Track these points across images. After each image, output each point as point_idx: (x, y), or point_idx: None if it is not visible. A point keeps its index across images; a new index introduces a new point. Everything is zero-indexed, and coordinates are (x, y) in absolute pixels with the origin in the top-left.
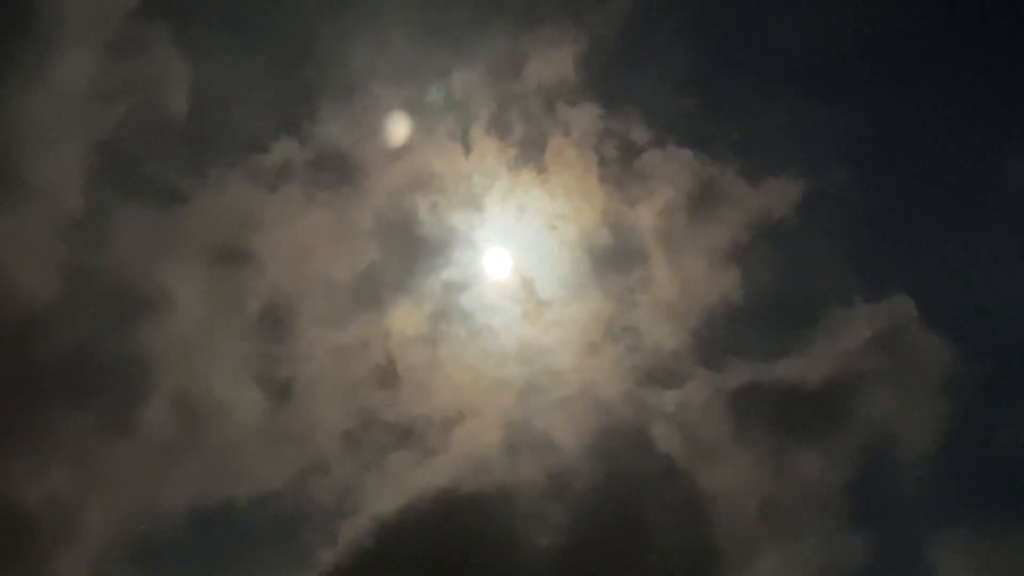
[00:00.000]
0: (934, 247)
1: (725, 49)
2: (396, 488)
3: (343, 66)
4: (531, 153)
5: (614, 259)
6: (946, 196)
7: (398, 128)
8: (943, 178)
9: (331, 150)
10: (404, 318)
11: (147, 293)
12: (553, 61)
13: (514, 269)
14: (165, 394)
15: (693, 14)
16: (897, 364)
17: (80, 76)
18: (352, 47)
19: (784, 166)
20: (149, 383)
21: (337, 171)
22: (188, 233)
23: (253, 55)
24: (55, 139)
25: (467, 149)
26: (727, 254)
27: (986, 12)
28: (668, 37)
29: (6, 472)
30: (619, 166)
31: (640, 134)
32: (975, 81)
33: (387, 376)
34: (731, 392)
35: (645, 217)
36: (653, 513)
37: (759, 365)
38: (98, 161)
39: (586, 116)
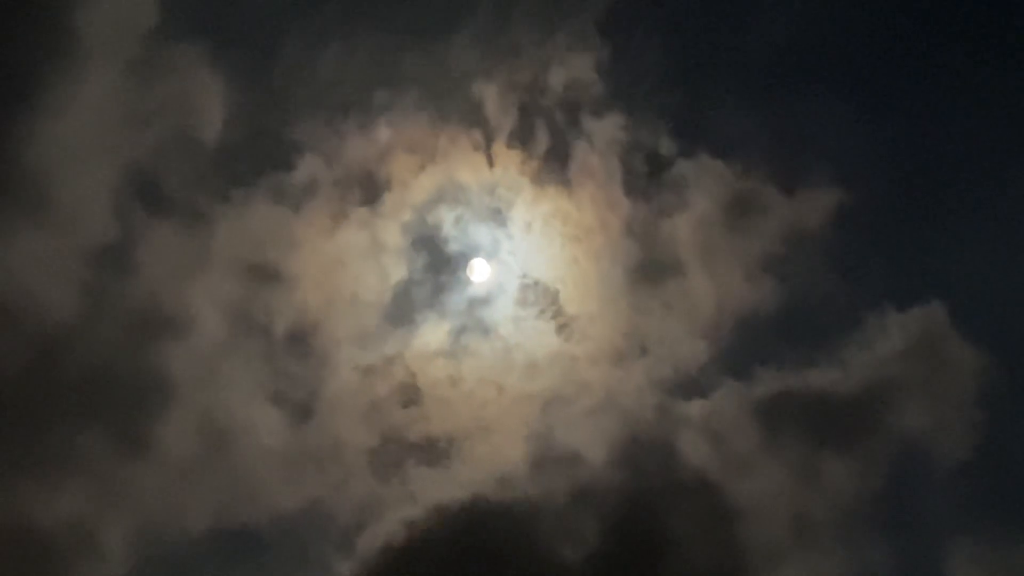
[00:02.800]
0: (967, 254)
1: (757, 58)
2: (420, 504)
3: (365, 81)
4: (555, 164)
5: (640, 271)
6: (979, 203)
7: (421, 141)
8: (976, 185)
9: (356, 166)
10: (429, 334)
11: (171, 313)
12: (577, 71)
13: (539, 281)
14: (187, 415)
15: (722, 22)
16: (929, 373)
17: (106, 97)
18: (374, 61)
19: (817, 176)
20: (171, 403)
21: (362, 187)
22: (212, 253)
23: (273, 72)
24: (80, 160)
25: (491, 161)
26: (757, 264)
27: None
28: (697, 45)
29: (26, 491)
30: (645, 177)
31: (668, 145)
32: (1010, 87)
33: (411, 393)
34: (760, 402)
35: (672, 228)
36: (680, 525)
37: (789, 375)
38: (124, 181)
39: (611, 127)
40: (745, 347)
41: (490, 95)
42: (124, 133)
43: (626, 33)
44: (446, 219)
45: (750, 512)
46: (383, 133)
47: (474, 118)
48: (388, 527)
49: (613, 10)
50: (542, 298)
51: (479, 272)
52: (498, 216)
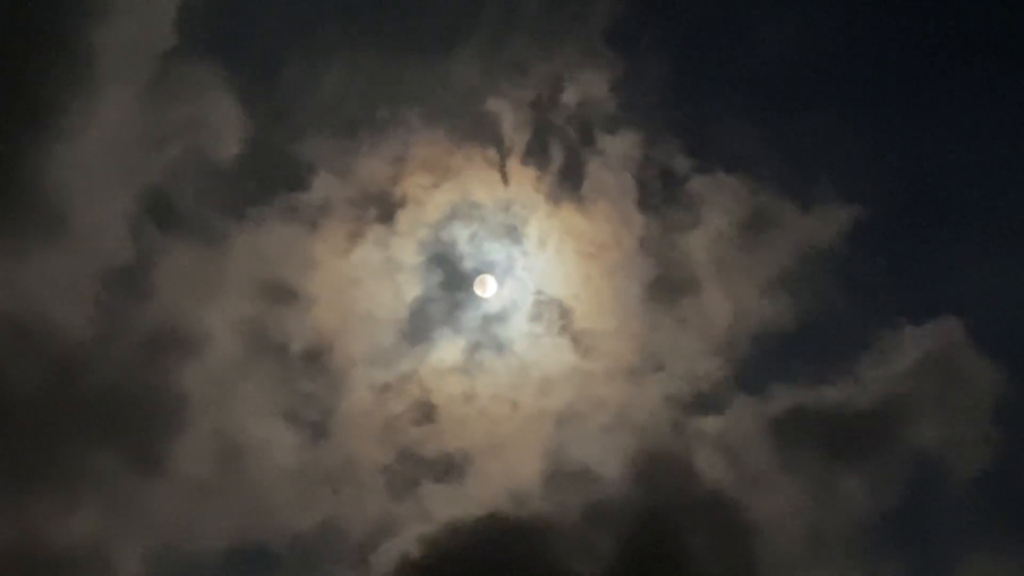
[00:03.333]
0: (982, 269)
1: (771, 74)
2: (434, 521)
3: (378, 98)
4: (569, 180)
5: (654, 287)
6: (994, 217)
7: (436, 159)
8: (991, 199)
9: (371, 184)
10: (444, 351)
11: (186, 333)
12: (591, 87)
13: (553, 298)
14: (202, 434)
15: (735, 39)
16: (944, 388)
17: (121, 118)
18: (387, 78)
19: (832, 192)
20: (186, 422)
21: (377, 205)
22: (228, 272)
23: (286, 92)
24: (96, 181)
25: (505, 178)
26: (772, 280)
27: None
28: (710, 62)
29: (41, 511)
30: (660, 193)
31: (682, 161)
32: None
33: (426, 410)
34: (775, 418)
35: (686, 244)
36: (695, 541)
37: (803, 390)
38: (139, 202)
39: (625, 143)
40: (760, 363)
41: (504, 112)
42: (139, 154)
43: (634, 48)
44: (461, 236)
45: (765, 528)
46: (397, 151)
47: (488, 136)
48: (403, 544)
49: (620, 24)
50: (556, 315)
51: (487, 288)
52: (513, 233)
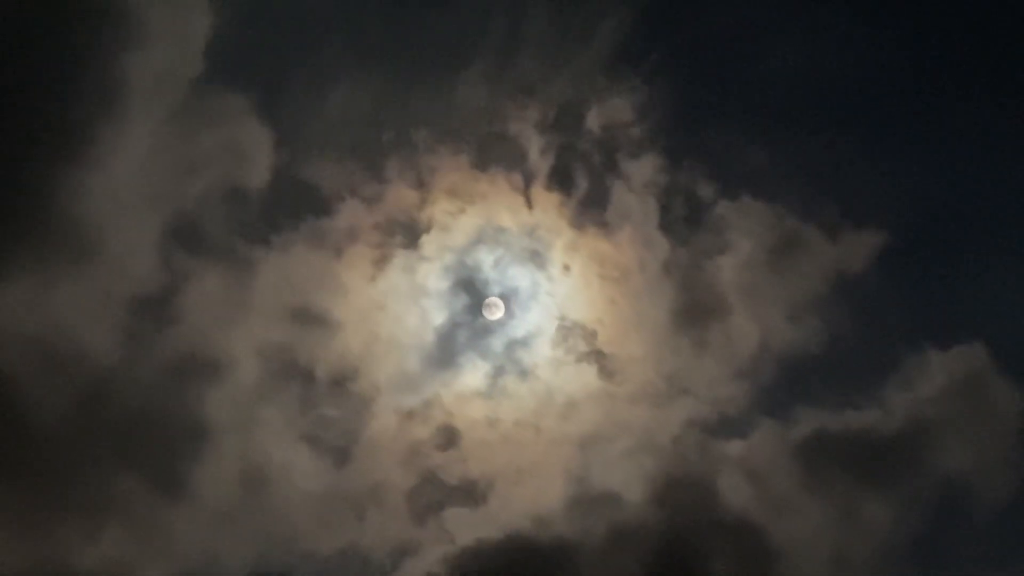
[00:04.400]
0: (1008, 294)
1: (800, 100)
2: (457, 546)
3: (404, 124)
4: (593, 205)
5: (679, 312)
6: (1020, 243)
7: (461, 184)
8: (1017, 224)
9: (396, 210)
10: (468, 376)
11: (212, 358)
12: (616, 111)
13: (577, 322)
14: (227, 459)
15: (761, 64)
16: (970, 413)
17: (151, 146)
18: (413, 105)
19: (859, 217)
20: (211, 448)
21: (402, 231)
22: (254, 298)
23: (312, 118)
24: (125, 208)
25: (529, 203)
26: (797, 305)
27: None
28: (736, 85)
29: (66, 535)
30: (684, 218)
31: (707, 186)
32: None
33: (450, 435)
34: (800, 442)
35: (711, 269)
36: (718, 565)
37: (829, 415)
38: (167, 228)
39: (649, 167)
40: (785, 387)
41: (528, 137)
42: (168, 181)
43: (654, 71)
44: (485, 261)
45: (789, 552)
46: (423, 177)
47: (512, 161)
48: (425, 568)
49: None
50: (580, 339)
51: (495, 310)
52: (537, 258)
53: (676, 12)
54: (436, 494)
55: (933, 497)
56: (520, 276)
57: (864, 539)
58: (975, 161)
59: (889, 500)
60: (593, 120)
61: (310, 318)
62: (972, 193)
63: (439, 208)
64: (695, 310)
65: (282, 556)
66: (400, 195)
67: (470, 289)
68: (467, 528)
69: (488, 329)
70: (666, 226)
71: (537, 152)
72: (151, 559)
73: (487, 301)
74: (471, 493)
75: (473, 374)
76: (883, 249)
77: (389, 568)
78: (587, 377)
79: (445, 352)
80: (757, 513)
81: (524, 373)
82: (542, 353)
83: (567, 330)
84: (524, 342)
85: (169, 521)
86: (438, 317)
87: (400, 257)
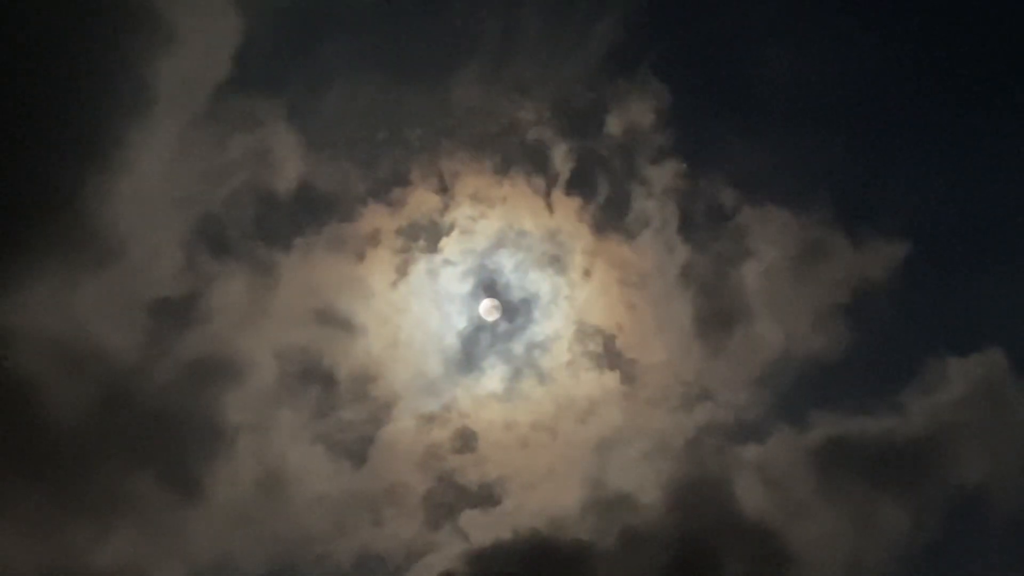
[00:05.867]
0: None
1: (826, 109)
2: (474, 546)
3: (428, 128)
4: (613, 210)
5: (697, 317)
6: None
7: (483, 189)
8: None
9: (417, 213)
10: (487, 380)
11: (232, 360)
12: (636, 115)
13: (596, 327)
14: (245, 460)
15: (785, 72)
16: (988, 419)
17: (177, 150)
18: (436, 110)
19: (881, 225)
20: (229, 449)
21: (426, 233)
22: (277, 301)
23: (335, 121)
24: (150, 209)
25: (550, 208)
26: (815, 311)
27: None
28: (760, 93)
29: (81, 534)
30: (704, 223)
31: (729, 193)
32: None
33: (467, 438)
34: (817, 447)
35: (730, 275)
36: (735, 568)
37: (847, 420)
38: (192, 230)
39: (669, 173)
40: (803, 392)
41: (549, 142)
42: (194, 185)
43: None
44: (506, 266)
45: (804, 557)
46: (445, 181)
47: (534, 165)
48: (440, 568)
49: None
50: (599, 343)
51: (489, 311)
52: (557, 262)
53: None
54: (452, 496)
55: (949, 503)
56: (540, 280)
57: (879, 545)
58: (995, 170)
59: (905, 506)
60: (614, 125)
61: (332, 321)
62: (992, 201)
63: (461, 212)
64: (713, 316)
65: (297, 558)
66: (422, 199)
67: (491, 293)
68: (483, 530)
69: (508, 333)
70: (686, 232)
71: (558, 157)
72: (165, 559)
73: (484, 303)
74: (487, 496)
75: (491, 378)
76: (903, 258)
77: (404, 569)
78: (605, 381)
79: (464, 356)
80: (773, 517)
81: (542, 377)
82: (560, 357)
83: (586, 334)
84: (543, 346)
85: (184, 522)
86: (459, 321)
87: (422, 261)
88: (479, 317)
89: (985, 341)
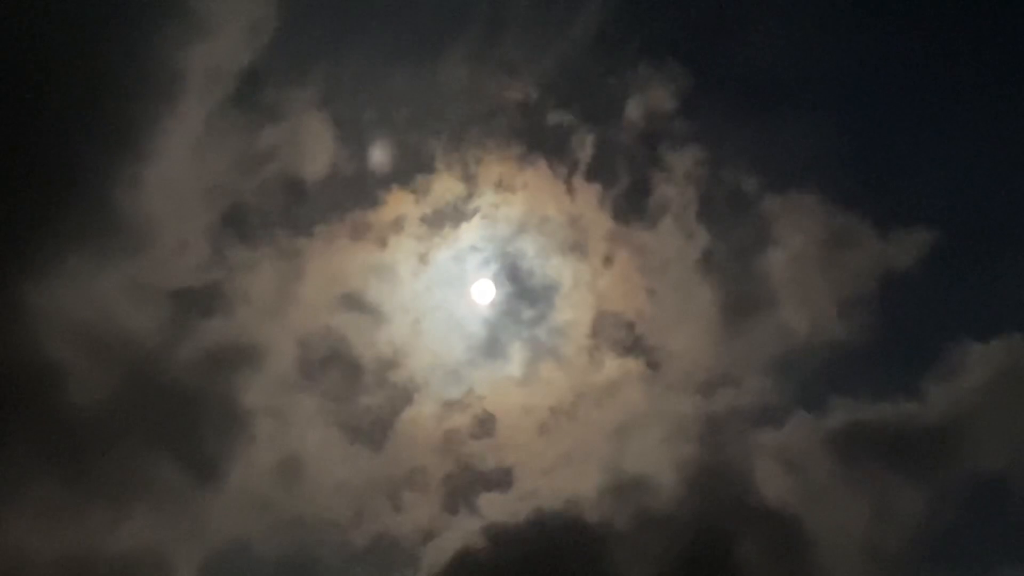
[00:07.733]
0: None
1: (851, 96)
2: (492, 529)
3: (449, 114)
4: (634, 196)
5: (717, 303)
6: None
7: (505, 175)
8: None
9: (441, 200)
10: (507, 364)
11: (256, 346)
12: (657, 101)
13: (616, 312)
14: (265, 445)
15: (809, 57)
16: (1009, 405)
17: (205, 137)
18: (462, 97)
19: (907, 211)
20: (250, 435)
21: (449, 220)
22: (301, 287)
23: (363, 110)
24: (177, 196)
25: (571, 194)
26: (836, 298)
27: None
28: (783, 78)
29: (100, 517)
30: (726, 210)
31: (751, 179)
32: None
33: (487, 422)
34: (837, 432)
35: (751, 261)
36: (753, 552)
37: (868, 406)
38: (219, 217)
39: (691, 159)
40: (823, 379)
41: (570, 128)
42: (221, 172)
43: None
44: (527, 252)
45: (822, 542)
46: (468, 168)
47: (555, 152)
48: (457, 552)
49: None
50: (618, 328)
51: (484, 294)
52: (578, 248)
53: None
54: (471, 480)
55: (967, 489)
56: (560, 266)
57: (897, 530)
58: (1020, 158)
59: (923, 492)
60: (634, 110)
61: (355, 308)
62: (1016, 189)
63: (484, 200)
64: (734, 302)
65: (314, 542)
66: (444, 186)
67: (512, 279)
68: (500, 513)
69: (529, 319)
70: (706, 218)
71: (579, 143)
72: (185, 542)
73: (475, 284)
74: (505, 479)
75: (512, 362)
76: (925, 244)
77: (421, 554)
78: (624, 366)
79: (486, 341)
80: (791, 502)
81: (562, 362)
82: (580, 342)
83: (606, 320)
84: (563, 331)
85: (203, 506)
86: (479, 306)
87: (444, 247)
88: (502, 303)
89: (1006, 327)
